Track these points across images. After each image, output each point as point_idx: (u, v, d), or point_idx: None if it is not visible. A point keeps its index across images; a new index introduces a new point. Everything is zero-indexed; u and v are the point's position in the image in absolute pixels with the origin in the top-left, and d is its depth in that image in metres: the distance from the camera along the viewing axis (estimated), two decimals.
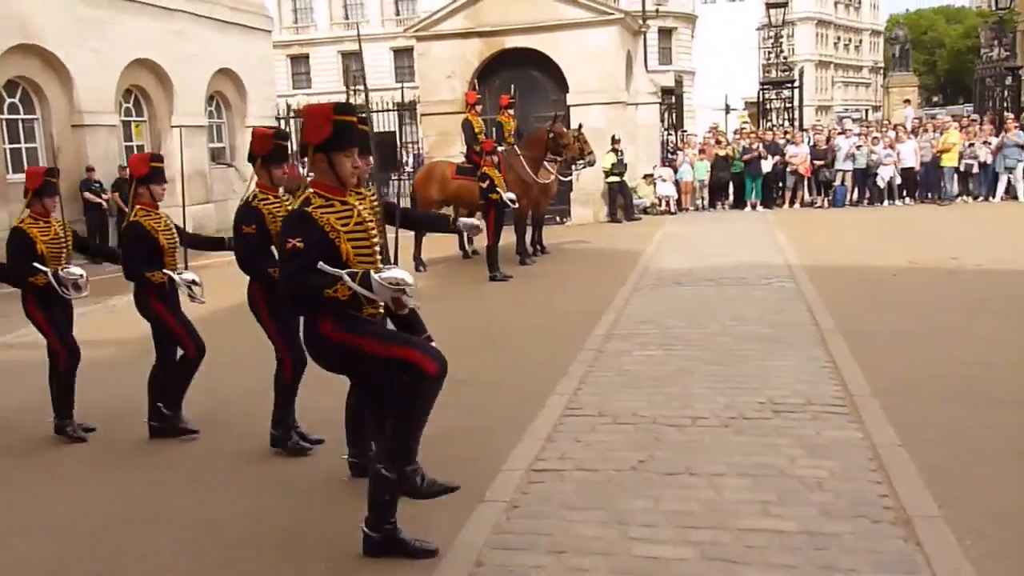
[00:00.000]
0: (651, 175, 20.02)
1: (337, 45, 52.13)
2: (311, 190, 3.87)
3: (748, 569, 3.84)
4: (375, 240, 3.91)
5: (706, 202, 21.10)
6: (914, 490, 4.55)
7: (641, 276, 11.70)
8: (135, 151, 18.86)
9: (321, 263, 3.68)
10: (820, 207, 19.96)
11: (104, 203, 16.52)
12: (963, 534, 4.05)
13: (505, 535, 4.28)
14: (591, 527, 4.29)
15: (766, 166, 20.13)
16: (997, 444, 5.19)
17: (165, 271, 5.97)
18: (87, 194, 16.31)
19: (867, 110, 68.45)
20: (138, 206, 6.07)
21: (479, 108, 14.06)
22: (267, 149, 5.64)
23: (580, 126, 14.61)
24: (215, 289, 6.77)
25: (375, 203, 4.47)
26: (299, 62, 52.83)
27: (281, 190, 5.77)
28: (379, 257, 3.95)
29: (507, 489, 4.77)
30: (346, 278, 3.67)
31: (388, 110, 22.33)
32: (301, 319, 4.12)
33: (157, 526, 4.64)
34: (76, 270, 6.30)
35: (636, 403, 6.21)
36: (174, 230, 6.16)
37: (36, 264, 6.15)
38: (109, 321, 10.78)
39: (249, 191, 5.76)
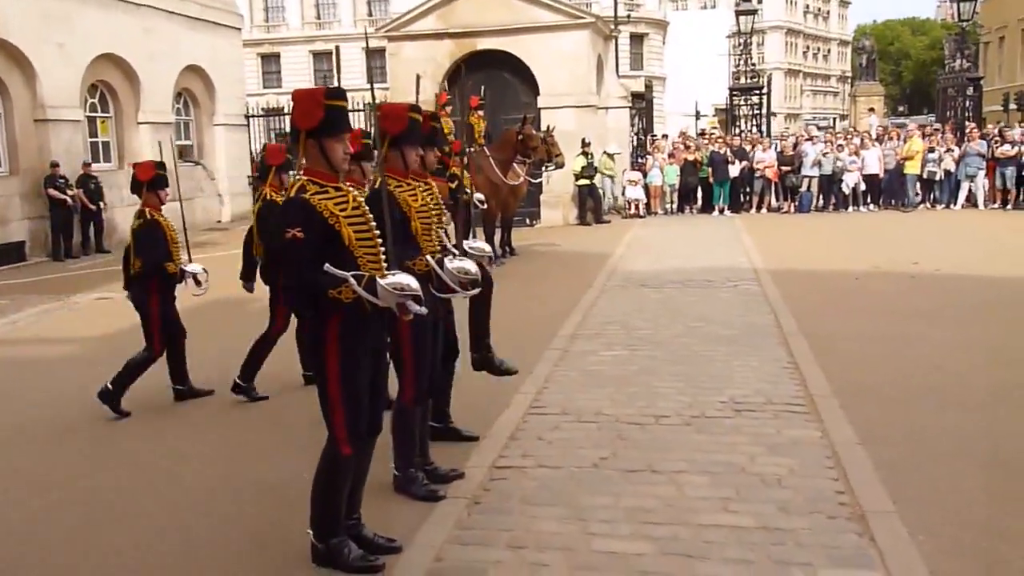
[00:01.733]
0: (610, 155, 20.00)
1: (308, 45, 51.90)
2: (304, 177, 3.74)
3: (706, 564, 3.88)
4: (374, 225, 3.80)
5: (675, 206, 21.24)
6: (870, 487, 4.62)
7: (608, 278, 11.77)
8: (100, 147, 18.68)
9: (328, 265, 3.55)
10: (786, 212, 20.16)
11: (69, 200, 16.29)
12: (917, 530, 4.12)
13: (465, 531, 4.29)
14: (551, 523, 4.32)
15: (734, 171, 20.32)
16: (952, 445, 5.28)
17: (177, 263, 6.77)
18: (51, 191, 16.08)
19: (835, 118, 69.32)
20: (148, 208, 6.67)
21: (449, 109, 14.06)
22: (280, 161, 6.86)
23: (549, 127, 14.66)
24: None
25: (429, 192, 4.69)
26: (269, 61, 52.51)
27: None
28: (379, 242, 3.81)
29: (469, 486, 4.78)
30: (352, 281, 3.57)
31: (358, 110, 22.25)
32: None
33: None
34: (198, 266, 6.97)
35: (600, 402, 6.25)
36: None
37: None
38: (71, 319, 10.66)
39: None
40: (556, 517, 4.38)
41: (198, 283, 6.85)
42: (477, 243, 5.17)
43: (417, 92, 4.92)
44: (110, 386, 6.53)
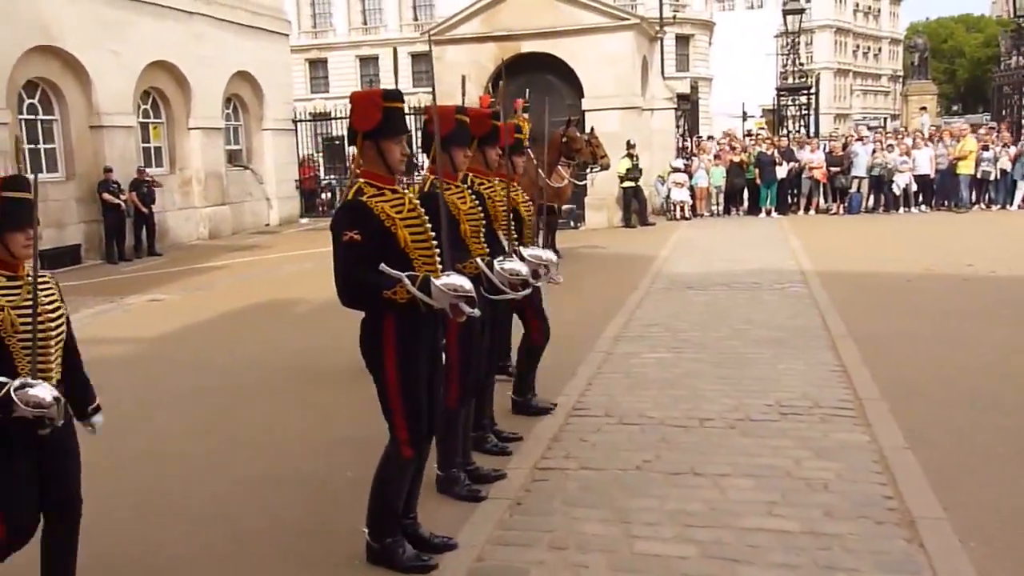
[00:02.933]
0: (678, 170, 20.09)
1: (355, 50, 52.41)
2: (361, 180, 3.72)
3: (750, 568, 3.83)
4: (429, 227, 3.79)
5: (721, 208, 21.06)
6: (919, 492, 4.53)
7: (653, 280, 11.70)
8: (152, 153, 19.05)
9: (383, 264, 3.55)
10: (835, 214, 19.88)
11: (122, 204, 16.63)
12: (967, 536, 4.04)
13: (507, 531, 4.29)
14: (593, 524, 4.30)
15: (781, 172, 20.08)
16: (1004, 448, 5.16)
17: None
18: (106, 195, 16.43)
19: (886, 119, 68.10)
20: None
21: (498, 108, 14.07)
22: None
23: (591, 129, 14.62)
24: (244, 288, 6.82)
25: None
26: (317, 66, 53.13)
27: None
28: (435, 244, 3.79)
29: (511, 487, 4.79)
30: (406, 281, 3.55)
31: (405, 114, 22.39)
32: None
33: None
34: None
35: (643, 404, 6.22)
36: None
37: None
38: (125, 320, 10.88)
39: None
40: (598, 519, 4.36)
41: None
42: (536, 251, 5.15)
43: (463, 94, 4.94)
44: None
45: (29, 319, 3.19)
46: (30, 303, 3.21)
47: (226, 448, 5.80)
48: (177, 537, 4.45)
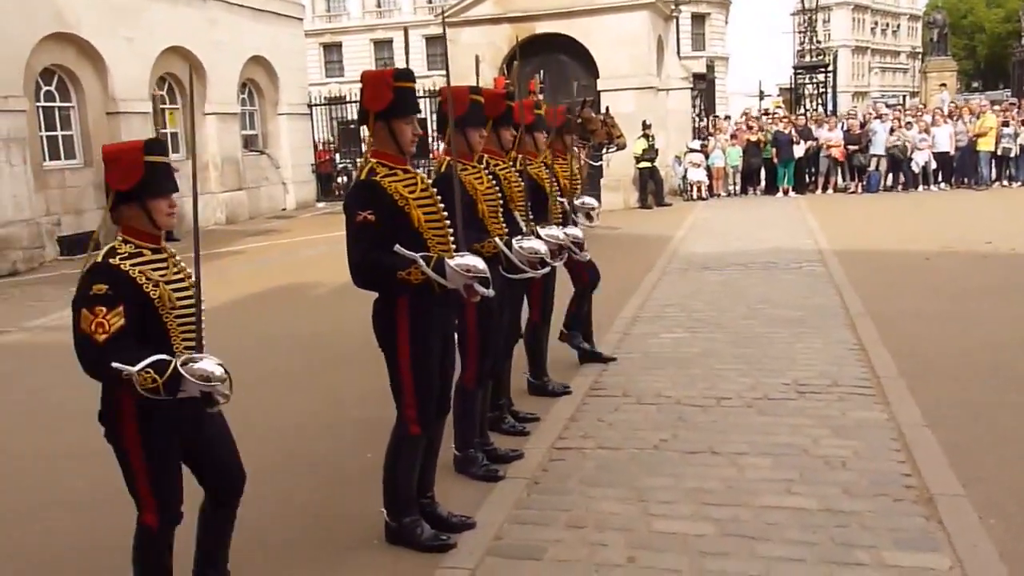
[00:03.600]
0: (695, 151, 20.04)
1: (369, 33, 52.29)
2: (373, 160, 3.73)
3: (767, 545, 3.84)
4: (442, 207, 3.80)
5: (738, 188, 20.95)
6: (937, 469, 4.52)
7: (670, 261, 11.67)
8: (168, 139, 19.12)
9: (397, 245, 3.56)
10: (853, 192, 19.74)
11: None
12: (986, 513, 4.03)
13: (525, 510, 4.31)
14: (611, 503, 4.32)
15: (798, 151, 19.94)
16: (1021, 424, 5.13)
17: None
18: None
19: (904, 96, 67.39)
20: None
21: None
22: (561, 122, 6.75)
23: (607, 109, 14.55)
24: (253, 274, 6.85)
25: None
26: (331, 50, 53.07)
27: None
28: (448, 224, 3.80)
29: (528, 467, 4.81)
30: (420, 262, 3.56)
31: (420, 97, 22.39)
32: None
33: None
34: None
35: (660, 384, 6.22)
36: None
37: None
38: None
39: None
40: (615, 497, 4.38)
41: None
42: (553, 230, 5.16)
43: (477, 74, 4.92)
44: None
45: (184, 294, 3.06)
46: (180, 277, 3.09)
47: (240, 432, 5.77)
48: (190, 522, 4.48)
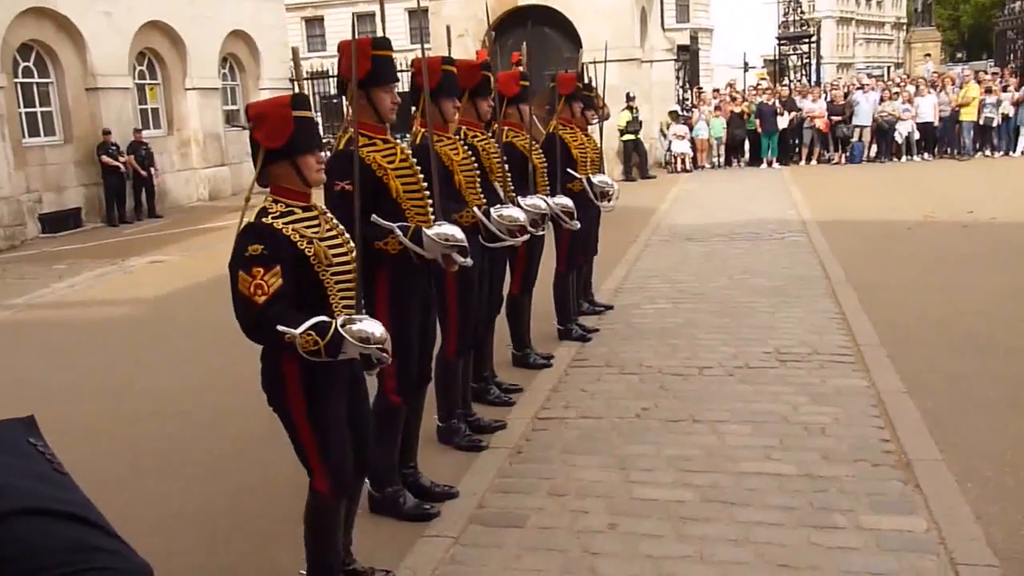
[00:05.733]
0: (675, 113, 19.96)
1: (352, 7, 51.64)
2: (352, 129, 3.67)
3: (746, 510, 3.88)
4: (421, 178, 3.78)
5: (722, 160, 20.95)
6: (916, 435, 4.58)
7: (653, 232, 11.70)
8: (149, 114, 18.94)
9: (374, 215, 3.56)
10: (837, 163, 19.77)
11: (121, 166, 16.58)
12: (963, 477, 4.09)
13: (507, 479, 4.35)
14: (592, 471, 4.35)
15: (782, 123, 19.93)
16: (1001, 392, 5.20)
17: None
18: (104, 158, 16.37)
19: (889, 67, 67.38)
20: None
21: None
22: (570, 90, 6.78)
23: (590, 80, 14.48)
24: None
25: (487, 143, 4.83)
26: (313, 24, 52.53)
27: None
28: (427, 195, 3.79)
29: (511, 437, 4.84)
30: (397, 232, 3.56)
31: (403, 70, 22.24)
32: None
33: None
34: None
35: (642, 354, 6.26)
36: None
37: (570, 171, 6.40)
38: (127, 282, 10.91)
39: None
40: (597, 466, 4.41)
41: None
42: (535, 199, 5.16)
43: (449, 44, 4.88)
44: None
45: (340, 251, 2.99)
46: (334, 235, 3.02)
47: (224, 407, 5.84)
48: (174, 493, 4.51)
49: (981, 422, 4.77)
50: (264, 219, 2.90)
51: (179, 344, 7.51)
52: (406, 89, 5.07)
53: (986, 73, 21.76)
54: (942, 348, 6.07)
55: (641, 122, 18.67)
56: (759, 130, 20.06)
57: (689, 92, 22.28)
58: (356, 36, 3.55)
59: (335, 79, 22.42)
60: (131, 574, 1.04)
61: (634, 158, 18.84)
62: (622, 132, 18.38)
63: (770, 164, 19.94)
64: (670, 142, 20.14)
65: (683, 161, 20.04)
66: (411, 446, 4.12)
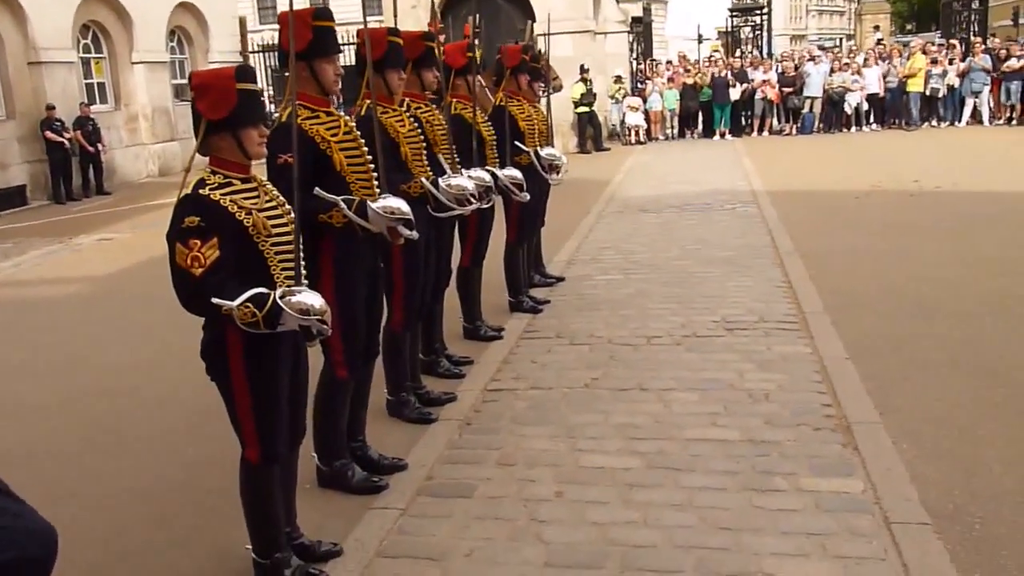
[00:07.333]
0: (619, 78, 19.98)
1: None
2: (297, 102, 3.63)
3: (691, 476, 3.96)
4: (366, 150, 3.75)
5: (675, 131, 21.07)
6: (856, 399, 4.69)
7: (607, 204, 11.76)
8: (96, 89, 18.53)
9: (317, 188, 3.52)
10: (788, 134, 19.99)
11: (67, 142, 16.24)
12: (900, 439, 4.19)
13: (456, 451, 4.38)
14: (541, 441, 4.40)
15: (734, 94, 20.09)
16: (939, 354, 5.34)
17: None
18: (48, 133, 16.03)
19: (841, 39, 68.00)
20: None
21: (442, 39, 13.85)
22: (516, 63, 6.82)
23: (540, 52, 14.45)
24: None
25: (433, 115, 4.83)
26: None
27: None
28: (372, 168, 3.75)
29: (461, 408, 4.87)
30: (342, 205, 3.53)
31: (353, 43, 21.97)
32: None
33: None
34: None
35: (593, 325, 6.31)
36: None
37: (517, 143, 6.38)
38: (74, 260, 10.73)
39: None
40: (545, 435, 4.46)
41: None
42: (479, 172, 5.14)
43: (395, 14, 4.85)
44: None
45: (279, 221, 2.97)
46: (273, 205, 2.99)
47: (176, 382, 5.79)
48: (126, 468, 4.48)
49: (923, 385, 4.89)
50: (201, 190, 2.87)
51: (130, 320, 7.42)
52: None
53: (933, 45, 22.07)
54: (887, 314, 6.20)
55: (595, 94, 18.69)
56: (712, 102, 20.19)
57: (643, 64, 22.32)
58: (309, 5, 3.51)
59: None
60: (31, 534, 1.05)
61: (588, 130, 18.88)
62: (576, 104, 18.39)
63: (723, 135, 20.11)
64: (624, 114, 20.20)
65: (637, 133, 20.12)
66: (359, 420, 4.12)
